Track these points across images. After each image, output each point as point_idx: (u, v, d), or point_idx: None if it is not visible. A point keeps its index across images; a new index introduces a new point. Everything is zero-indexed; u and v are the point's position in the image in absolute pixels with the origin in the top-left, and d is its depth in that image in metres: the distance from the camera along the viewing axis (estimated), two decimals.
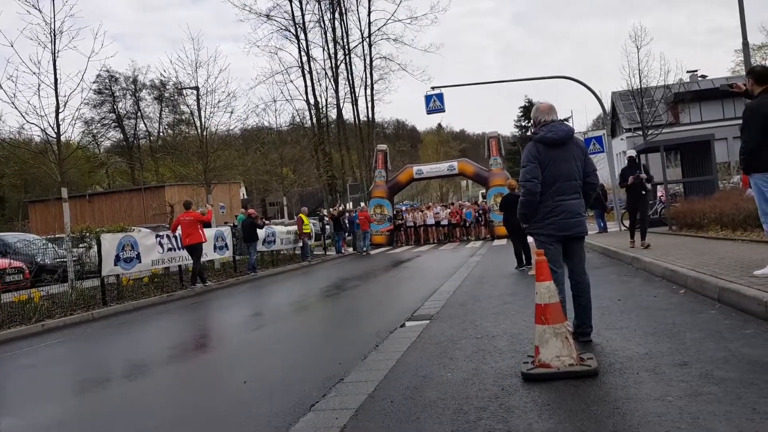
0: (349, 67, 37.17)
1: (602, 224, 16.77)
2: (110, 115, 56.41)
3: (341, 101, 37.20)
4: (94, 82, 48.83)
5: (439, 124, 70.21)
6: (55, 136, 11.53)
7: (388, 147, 28.55)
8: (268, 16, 36.14)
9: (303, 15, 36.18)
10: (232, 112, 25.28)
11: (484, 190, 27.96)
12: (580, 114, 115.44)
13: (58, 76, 11.26)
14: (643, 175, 10.00)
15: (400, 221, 25.59)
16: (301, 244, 19.34)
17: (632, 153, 10.61)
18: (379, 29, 36.65)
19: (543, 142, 4.22)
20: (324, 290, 11.06)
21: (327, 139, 37.08)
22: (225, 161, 19.57)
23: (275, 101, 37.84)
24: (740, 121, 5.44)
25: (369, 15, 36.55)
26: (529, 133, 29.52)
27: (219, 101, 19.22)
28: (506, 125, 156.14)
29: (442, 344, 4.78)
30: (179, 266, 13.32)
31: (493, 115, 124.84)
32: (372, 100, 37.39)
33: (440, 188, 67.91)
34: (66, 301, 10.24)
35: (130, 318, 9.56)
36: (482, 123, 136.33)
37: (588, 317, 4.30)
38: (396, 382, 3.80)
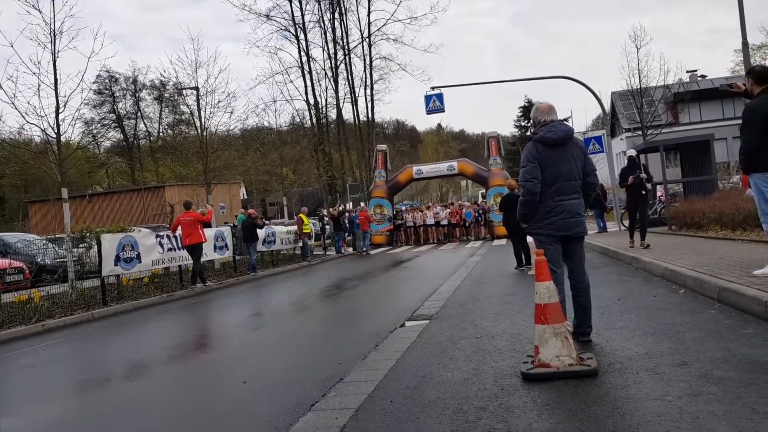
0: (348, 68, 37.22)
1: (602, 224, 16.77)
2: (110, 115, 56.48)
3: (341, 101, 37.26)
4: (94, 83, 48.90)
5: (439, 124, 70.29)
6: (55, 136, 11.53)
7: (387, 147, 28.55)
8: (267, 16, 36.19)
9: (303, 15, 36.24)
10: (232, 113, 25.20)
11: (483, 190, 27.96)
12: (580, 114, 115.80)
13: (58, 76, 11.28)
14: (643, 175, 9.98)
15: (399, 221, 25.60)
16: (301, 244, 19.34)
17: (632, 153, 10.56)
18: (378, 29, 36.72)
19: (543, 142, 4.22)
20: (324, 290, 11.06)
21: (327, 139, 37.08)
22: (225, 161, 19.58)
23: (275, 101, 37.93)
24: (740, 121, 5.45)
25: (369, 15, 36.61)
26: (528, 133, 29.55)
27: (219, 101, 19.29)
28: (506, 125, 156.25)
29: (441, 344, 4.78)
30: (179, 266, 13.33)
31: (492, 115, 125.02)
32: (372, 100, 37.45)
33: (440, 188, 67.93)
34: (66, 301, 10.25)
35: (130, 318, 9.57)
36: (482, 123, 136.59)
37: (588, 317, 4.30)
38: (396, 382, 3.81)
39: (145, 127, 58.46)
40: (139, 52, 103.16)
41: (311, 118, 37.44)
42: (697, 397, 2.89)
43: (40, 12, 11.18)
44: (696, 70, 39.03)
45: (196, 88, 18.96)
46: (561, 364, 3.45)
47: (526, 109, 45.19)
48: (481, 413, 3.02)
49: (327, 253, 22.30)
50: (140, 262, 11.79)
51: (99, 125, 55.75)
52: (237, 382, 4.43)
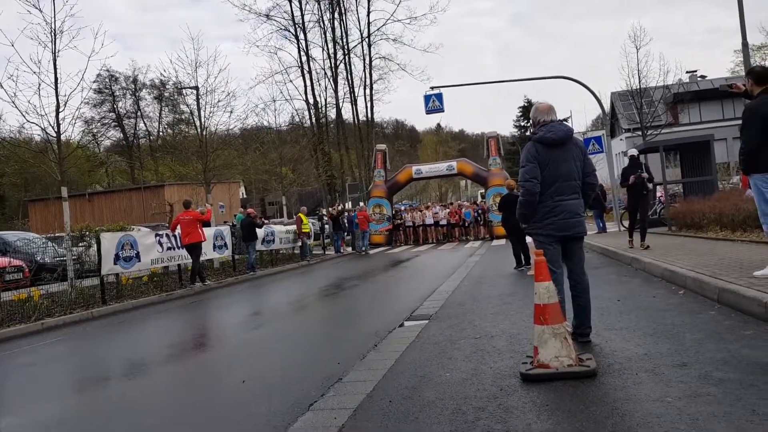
0: (348, 67, 37.21)
1: (601, 224, 16.77)
2: (110, 114, 56.43)
3: (340, 101, 37.25)
4: (94, 82, 48.89)
5: (439, 124, 70.17)
6: (55, 135, 11.52)
7: (387, 147, 28.55)
8: (267, 16, 36.17)
9: (302, 15, 36.22)
10: (231, 112, 25.33)
11: (483, 190, 27.96)
12: (579, 114, 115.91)
13: (58, 75, 11.26)
14: (645, 175, 9.90)
15: (399, 221, 25.60)
16: (300, 243, 19.34)
17: (634, 152, 10.45)
18: (378, 29, 36.71)
19: (542, 142, 4.22)
20: (323, 290, 11.06)
21: (326, 139, 37.06)
22: (224, 161, 19.58)
23: (275, 101, 37.75)
24: (740, 122, 5.44)
25: (368, 15, 36.61)
26: (528, 133, 29.56)
27: (218, 101, 19.35)
28: (505, 125, 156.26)
29: (440, 344, 4.78)
30: (178, 265, 13.32)
31: (492, 115, 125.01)
32: (371, 100, 37.45)
33: (439, 188, 67.87)
34: (65, 300, 10.24)
35: (130, 317, 9.56)
36: (481, 123, 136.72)
37: (587, 318, 4.30)
38: (394, 382, 3.80)
39: (145, 126, 58.52)
40: (139, 52, 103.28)
41: (311, 118, 37.45)
42: (696, 398, 2.89)
43: (41, 11, 11.18)
44: (696, 71, 39.07)
45: (196, 88, 18.98)
46: (560, 365, 3.44)
47: (526, 109, 45.19)
48: (480, 413, 3.01)
49: (326, 252, 22.30)
50: (139, 261, 11.79)
51: (99, 124, 55.85)
52: (236, 382, 4.43)
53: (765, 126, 5.02)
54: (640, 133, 27.58)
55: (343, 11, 36.72)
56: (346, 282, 11.82)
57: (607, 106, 31.59)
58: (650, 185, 10.31)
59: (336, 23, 36.82)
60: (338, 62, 36.76)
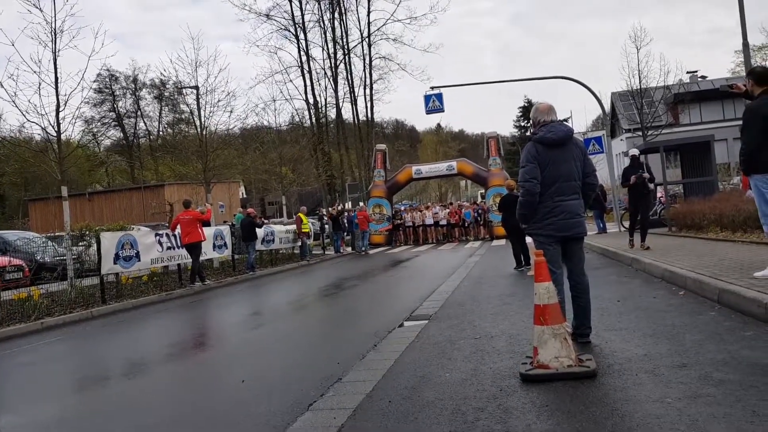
0: (348, 67, 37.21)
1: (601, 225, 16.76)
2: (110, 114, 56.42)
3: (340, 101, 37.25)
4: (94, 81, 48.80)
5: (439, 124, 70.11)
6: (55, 134, 11.52)
7: (387, 147, 28.54)
8: (267, 15, 36.16)
9: (303, 15, 36.22)
10: (231, 112, 25.36)
11: (483, 191, 27.96)
12: (580, 114, 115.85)
13: (58, 74, 11.26)
14: (646, 175, 9.84)
15: (398, 221, 25.59)
16: (299, 243, 19.34)
17: (635, 152, 10.37)
18: (378, 29, 36.71)
19: (542, 143, 4.21)
20: (322, 290, 11.06)
21: (326, 139, 37.06)
22: (224, 160, 19.58)
23: (274, 101, 37.71)
24: (740, 122, 5.44)
25: (368, 15, 36.61)
26: (528, 134, 29.56)
27: (219, 100, 19.39)
28: (505, 125, 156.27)
29: (440, 344, 4.77)
30: (178, 265, 13.32)
31: (492, 116, 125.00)
32: (371, 100, 37.45)
33: (439, 188, 67.85)
34: (65, 299, 10.24)
35: (129, 316, 9.56)
36: (481, 123, 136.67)
37: (587, 318, 4.29)
38: (394, 382, 3.80)
39: (145, 125, 58.52)
40: (140, 51, 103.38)
41: (311, 118, 37.46)
42: (696, 399, 2.89)
43: (41, 11, 11.18)
44: (696, 71, 39.05)
45: (196, 87, 18.98)
46: (560, 366, 3.44)
47: (526, 110, 45.21)
48: (479, 414, 3.01)
49: (326, 252, 22.30)
50: (139, 260, 11.79)
51: (99, 124, 55.84)
52: (235, 381, 4.42)
53: (766, 127, 5.02)
54: (640, 133, 27.58)
55: (343, 11, 36.78)
56: (346, 282, 11.82)
57: (607, 107, 31.58)
58: (651, 185, 10.25)
59: (336, 23, 36.88)
60: (338, 62, 36.80)
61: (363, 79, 37.18)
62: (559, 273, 4.15)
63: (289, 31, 36.36)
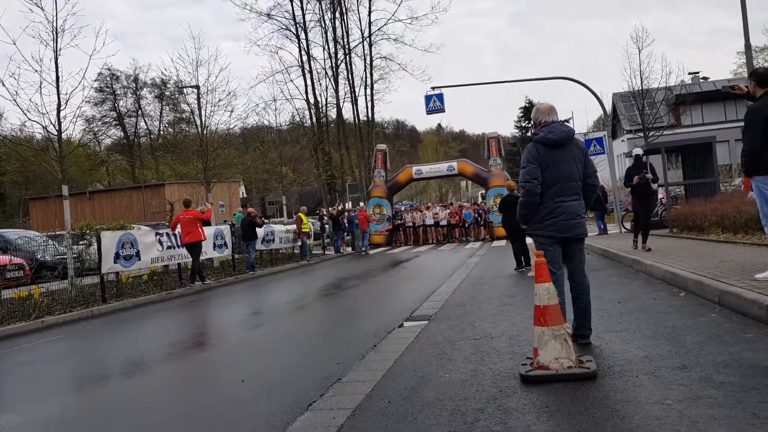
0: (349, 67, 37.17)
1: (602, 226, 16.73)
2: (111, 113, 56.46)
3: (341, 101, 37.20)
4: (95, 80, 48.86)
5: (439, 125, 70.17)
6: (56, 133, 11.52)
7: (387, 147, 28.54)
8: (268, 15, 36.12)
9: (303, 14, 36.19)
10: (232, 111, 25.30)
11: (483, 191, 27.95)
12: (581, 115, 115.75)
13: (59, 73, 11.27)
14: (649, 175, 9.69)
15: (399, 221, 25.58)
16: (299, 243, 19.33)
17: (638, 151, 10.17)
18: (379, 29, 36.66)
19: (543, 143, 4.21)
20: (322, 290, 11.05)
21: (326, 139, 37.04)
22: (225, 160, 19.59)
23: (275, 100, 37.88)
24: (742, 124, 5.43)
25: (369, 15, 36.56)
26: (529, 134, 29.52)
27: (219, 100, 19.44)
28: (506, 126, 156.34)
29: (440, 345, 4.77)
30: (178, 264, 13.32)
31: (493, 116, 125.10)
32: (372, 100, 37.41)
33: (439, 189, 67.86)
34: (66, 298, 10.25)
35: (130, 315, 9.56)
36: (482, 123, 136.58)
37: (587, 319, 4.29)
38: (394, 383, 3.79)
39: (146, 125, 58.57)
40: (140, 51, 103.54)
41: (311, 118, 37.43)
42: (697, 401, 2.88)
43: (43, 10, 11.19)
44: (698, 72, 39.07)
45: (197, 87, 18.98)
46: (560, 367, 3.43)
47: (527, 110, 45.17)
48: (479, 415, 3.00)
49: (326, 252, 22.30)
50: (140, 259, 11.79)
51: (100, 123, 55.91)
52: (235, 381, 4.42)
53: (767, 128, 5.01)
54: (641, 134, 27.56)
55: (344, 11, 36.75)
56: (346, 282, 11.81)
57: (608, 107, 31.55)
58: (654, 186, 10.09)
59: (337, 23, 36.84)
60: (339, 62, 36.76)
61: (364, 79, 37.21)
62: (560, 274, 4.14)
63: (290, 30, 36.38)
